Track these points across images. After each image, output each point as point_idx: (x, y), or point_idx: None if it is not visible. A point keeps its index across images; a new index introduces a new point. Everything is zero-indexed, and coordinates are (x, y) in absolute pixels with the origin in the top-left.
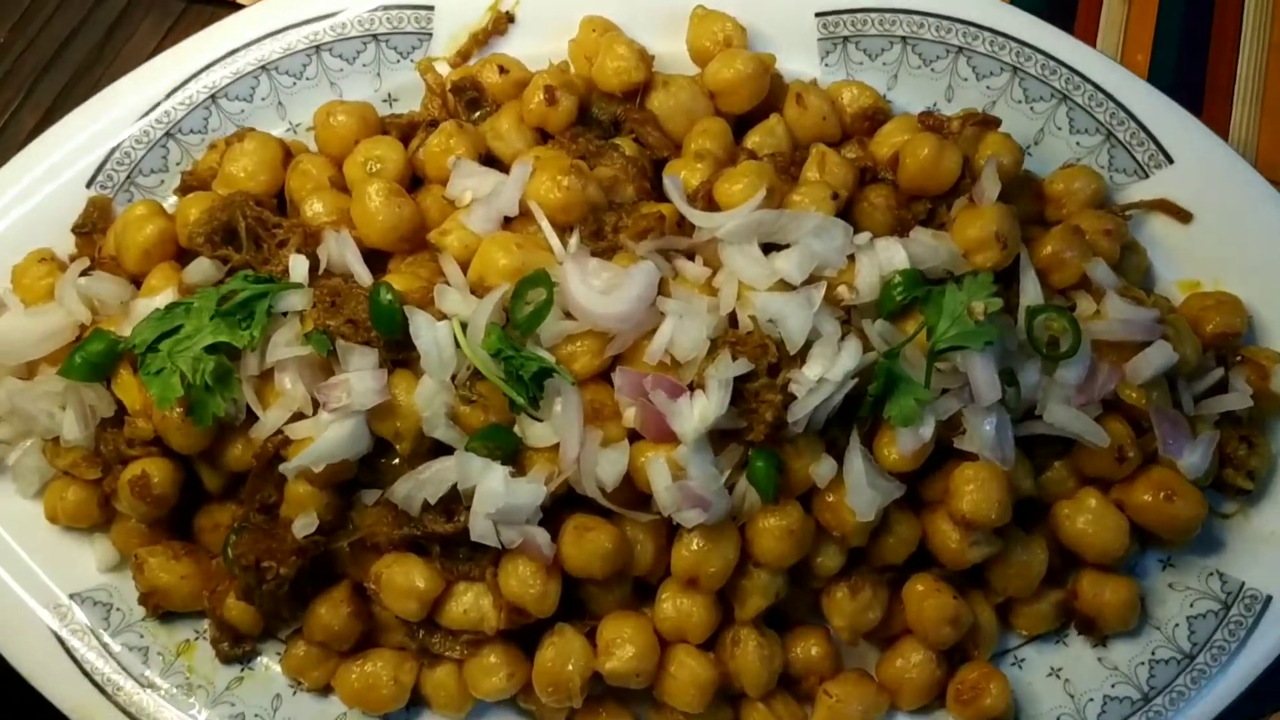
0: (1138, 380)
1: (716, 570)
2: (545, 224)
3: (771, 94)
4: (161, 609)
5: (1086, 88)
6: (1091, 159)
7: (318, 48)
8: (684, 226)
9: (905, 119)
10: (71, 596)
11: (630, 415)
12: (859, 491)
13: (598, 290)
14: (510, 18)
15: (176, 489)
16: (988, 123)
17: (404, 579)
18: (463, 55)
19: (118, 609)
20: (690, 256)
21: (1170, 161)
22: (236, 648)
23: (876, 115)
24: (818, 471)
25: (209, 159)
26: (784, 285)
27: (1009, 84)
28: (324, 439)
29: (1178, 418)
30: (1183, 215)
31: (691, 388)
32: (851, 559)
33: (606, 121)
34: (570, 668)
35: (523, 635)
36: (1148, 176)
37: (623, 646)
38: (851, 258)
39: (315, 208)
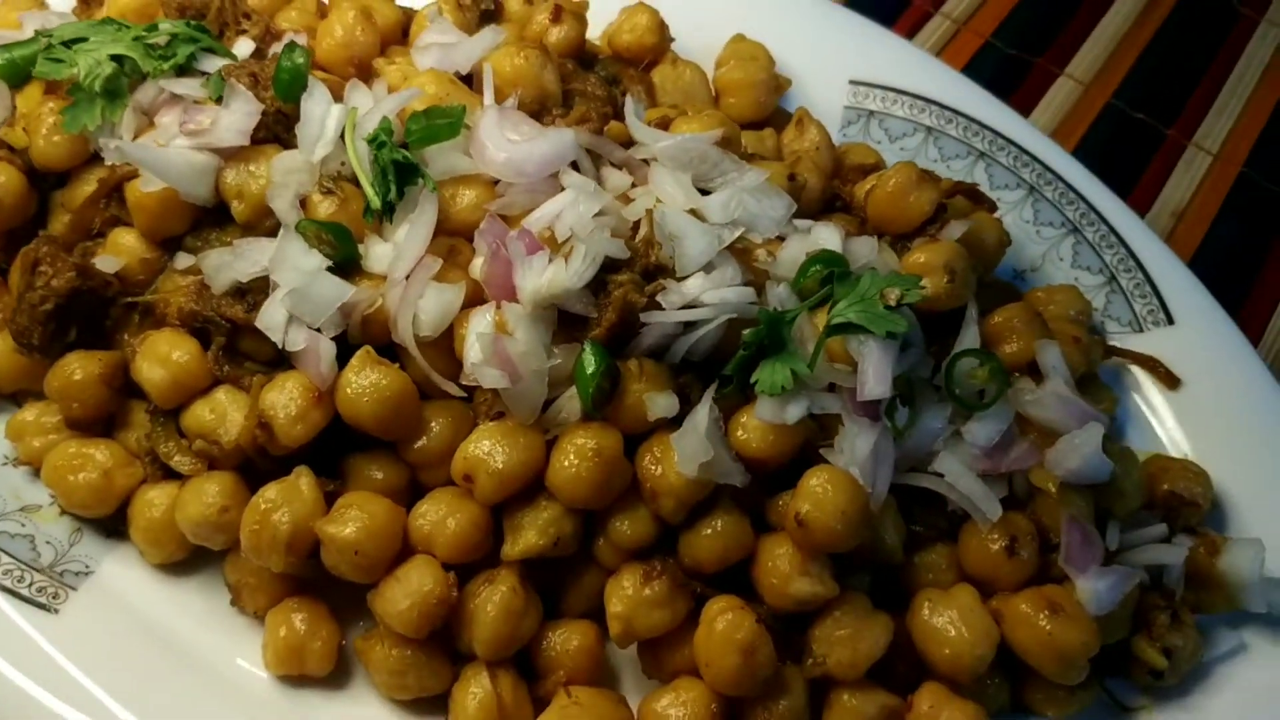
0: (1059, 468)
1: (500, 470)
2: (489, 81)
3: (776, 122)
4: None
5: (1101, 227)
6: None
7: None
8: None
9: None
10: None
11: (478, 265)
12: (690, 439)
13: (509, 140)
14: None
15: (17, 206)
16: (979, 198)
17: (165, 347)
18: None
19: None
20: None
21: (1170, 322)
22: None
23: (872, 172)
24: (654, 401)
25: None
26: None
27: (1022, 201)
28: (169, 155)
29: (1093, 536)
30: (1171, 380)
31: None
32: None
33: (604, 77)
34: (284, 514)
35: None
36: (1142, 331)
37: (354, 514)
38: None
39: (289, 15)
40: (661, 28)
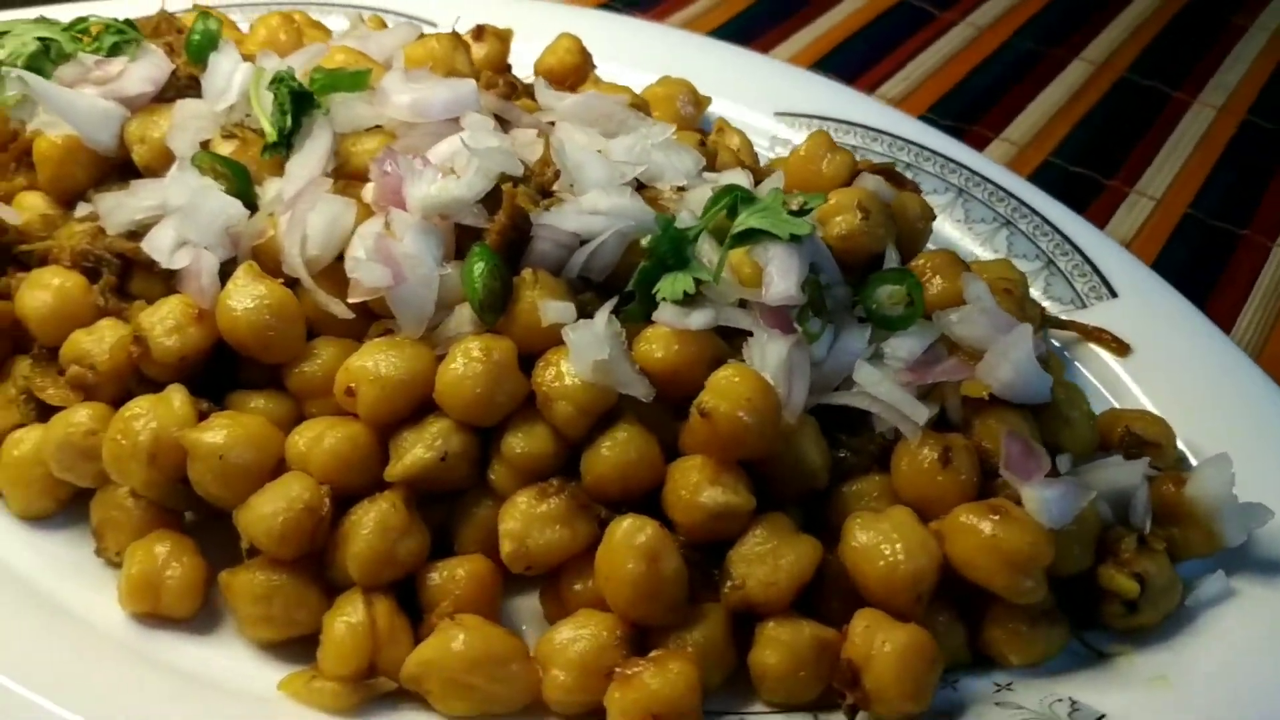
0: (990, 377)
1: (383, 376)
2: (399, 62)
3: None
4: None
5: (1034, 219)
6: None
7: None
8: None
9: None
10: None
11: (369, 189)
12: (583, 334)
13: (412, 86)
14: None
15: None
16: (900, 180)
17: (50, 276)
18: None
19: None
20: None
21: (1114, 295)
22: None
23: None
24: (548, 307)
25: None
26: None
27: (952, 203)
28: (73, 96)
29: (1036, 448)
30: (1121, 347)
31: None
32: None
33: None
34: (150, 423)
35: None
36: (1085, 307)
37: (225, 423)
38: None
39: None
40: (584, 52)
